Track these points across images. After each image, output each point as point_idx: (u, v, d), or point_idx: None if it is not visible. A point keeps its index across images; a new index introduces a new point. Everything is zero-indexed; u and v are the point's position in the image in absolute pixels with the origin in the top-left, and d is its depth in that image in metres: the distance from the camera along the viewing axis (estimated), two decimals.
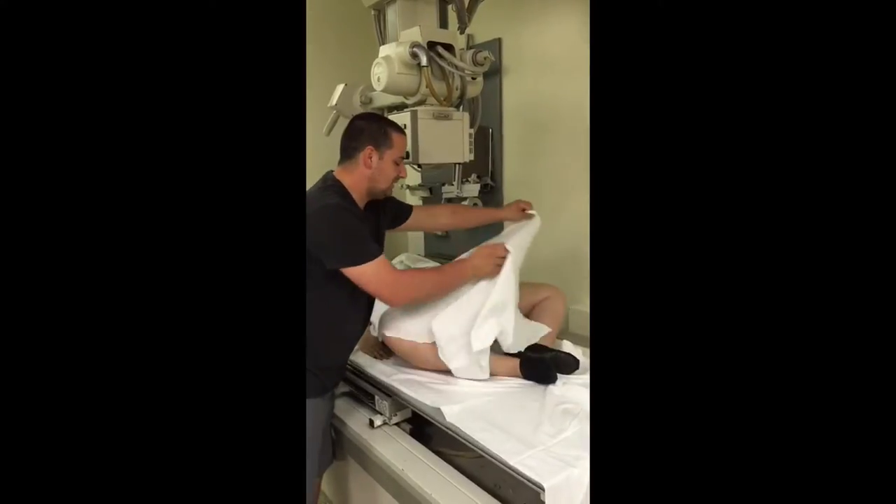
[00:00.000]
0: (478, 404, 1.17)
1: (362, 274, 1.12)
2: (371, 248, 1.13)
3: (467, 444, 1.06)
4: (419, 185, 2.40)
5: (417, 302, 1.29)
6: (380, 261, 1.14)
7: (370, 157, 1.19)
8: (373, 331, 1.54)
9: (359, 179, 1.21)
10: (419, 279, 1.27)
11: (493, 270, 1.29)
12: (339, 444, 1.37)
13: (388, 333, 1.35)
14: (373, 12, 1.45)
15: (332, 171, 1.25)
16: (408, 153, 1.34)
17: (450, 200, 2.20)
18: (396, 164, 1.23)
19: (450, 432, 1.10)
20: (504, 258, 1.29)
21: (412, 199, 2.58)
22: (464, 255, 1.36)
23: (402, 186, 2.50)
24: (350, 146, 1.22)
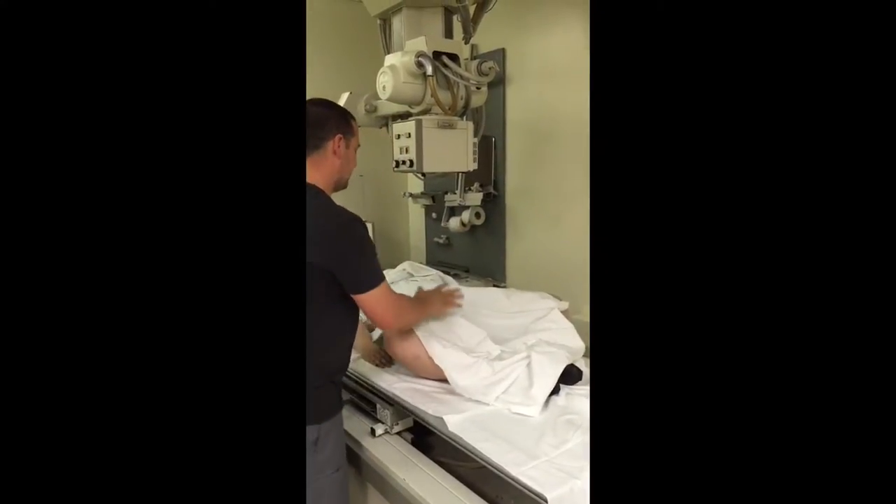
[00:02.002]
0: (480, 414, 1.17)
1: (369, 298, 1.07)
2: (380, 270, 1.10)
3: (469, 454, 1.05)
4: (422, 194, 2.41)
5: (403, 328, 1.28)
6: (386, 284, 1.10)
7: (339, 146, 1.12)
8: (374, 338, 1.54)
9: (330, 172, 1.13)
10: (413, 308, 1.28)
11: (448, 309, 1.36)
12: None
13: (393, 341, 1.35)
14: (378, 22, 1.46)
15: None
16: (411, 161, 1.35)
17: (452, 209, 2.21)
18: (354, 151, 1.20)
19: (452, 442, 1.10)
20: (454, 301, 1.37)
21: (414, 208, 2.59)
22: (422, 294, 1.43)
23: (403, 194, 2.51)
24: (315, 135, 1.10)
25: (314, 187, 1.11)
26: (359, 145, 1.21)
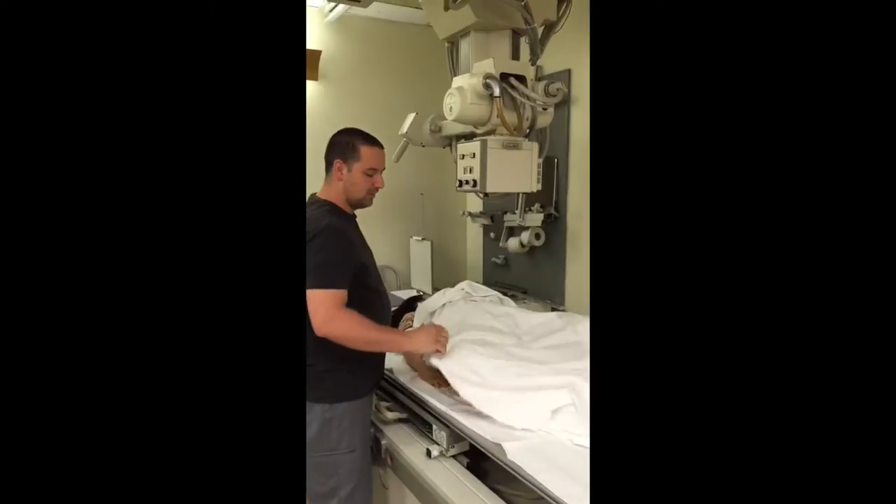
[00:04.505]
0: (540, 443, 1.13)
1: (308, 295, 1.16)
2: (332, 278, 1.18)
3: (528, 484, 1.01)
4: (481, 213, 2.40)
5: (345, 344, 1.22)
6: (332, 292, 1.18)
7: (340, 170, 1.32)
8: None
9: (338, 192, 1.34)
10: (358, 326, 1.21)
11: (431, 349, 1.33)
12: (396, 471, 1.35)
13: (443, 367, 1.34)
14: (447, 45, 1.49)
15: (315, 193, 1.37)
16: (475, 181, 1.35)
17: (511, 229, 2.19)
18: (368, 175, 1.33)
19: (509, 469, 1.06)
20: (446, 338, 1.35)
21: (473, 226, 2.59)
22: (410, 330, 1.51)
23: (462, 213, 2.52)
24: (327, 161, 1.35)
25: (324, 202, 1.33)
26: (379, 168, 1.35)
